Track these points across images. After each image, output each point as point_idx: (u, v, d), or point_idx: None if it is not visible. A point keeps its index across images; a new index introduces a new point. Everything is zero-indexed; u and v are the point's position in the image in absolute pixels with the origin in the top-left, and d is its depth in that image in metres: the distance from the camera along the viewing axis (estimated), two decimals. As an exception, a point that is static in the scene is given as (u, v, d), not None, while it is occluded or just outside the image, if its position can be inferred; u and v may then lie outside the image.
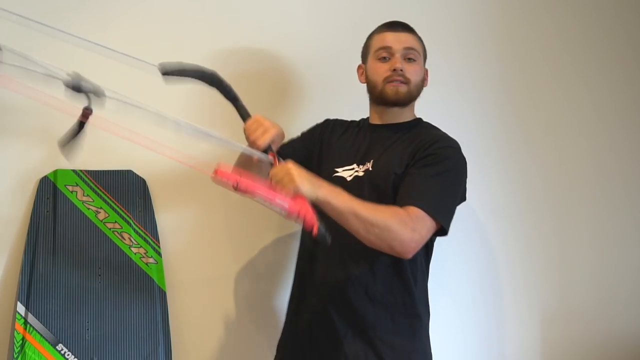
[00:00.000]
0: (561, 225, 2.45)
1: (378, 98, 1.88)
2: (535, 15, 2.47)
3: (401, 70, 1.82)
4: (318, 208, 1.58)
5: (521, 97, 2.44)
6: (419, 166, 1.75)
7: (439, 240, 1.83)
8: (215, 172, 1.37)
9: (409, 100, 1.86)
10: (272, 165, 1.65)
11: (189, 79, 1.61)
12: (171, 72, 1.52)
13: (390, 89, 1.84)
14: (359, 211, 1.61)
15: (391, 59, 1.84)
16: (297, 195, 1.54)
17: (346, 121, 2.01)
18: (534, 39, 2.46)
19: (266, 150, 1.68)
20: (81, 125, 1.26)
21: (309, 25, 2.27)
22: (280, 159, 1.68)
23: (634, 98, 2.53)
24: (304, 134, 2.02)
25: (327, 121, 2.02)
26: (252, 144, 1.70)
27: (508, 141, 2.42)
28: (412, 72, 1.84)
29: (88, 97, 1.18)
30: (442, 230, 1.75)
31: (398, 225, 1.64)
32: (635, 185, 2.51)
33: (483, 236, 2.38)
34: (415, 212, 1.67)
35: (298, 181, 1.55)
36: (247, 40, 2.20)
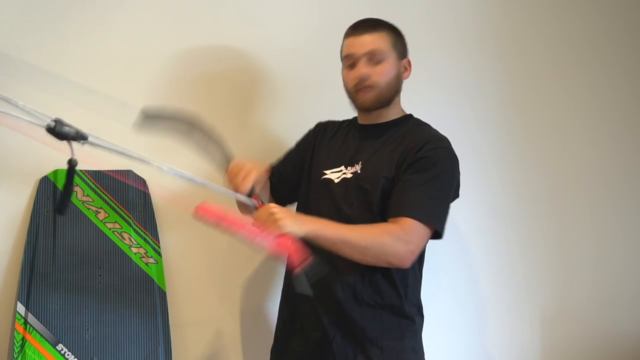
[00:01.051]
0: (563, 224, 2.45)
1: (354, 106, 1.89)
2: (538, 13, 2.46)
3: (365, 77, 1.81)
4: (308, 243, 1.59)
5: (524, 96, 2.44)
6: (411, 172, 1.75)
7: (440, 239, 1.82)
8: (197, 208, 1.38)
9: (380, 103, 1.84)
10: (256, 208, 1.66)
11: (170, 123, 1.61)
12: (152, 116, 1.52)
13: (359, 98, 1.84)
14: (350, 238, 1.64)
15: (356, 65, 1.83)
16: (282, 235, 1.56)
17: (337, 122, 2.00)
18: (536, 37, 2.46)
19: (250, 194, 1.69)
20: (69, 179, 1.26)
21: (303, 22, 2.27)
22: (264, 201, 1.69)
23: (637, 97, 2.52)
24: (298, 144, 2.02)
25: (318, 125, 2.02)
26: (235, 190, 1.71)
27: (510, 140, 2.42)
28: (378, 75, 1.81)
29: (70, 145, 1.18)
30: (436, 234, 1.76)
31: (391, 242, 1.67)
32: (638, 184, 2.51)
33: (484, 235, 2.38)
34: (408, 223, 1.69)
35: (282, 221, 1.56)
36: (242, 39, 2.20)
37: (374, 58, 1.81)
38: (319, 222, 1.63)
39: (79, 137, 1.18)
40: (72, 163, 1.22)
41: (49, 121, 1.14)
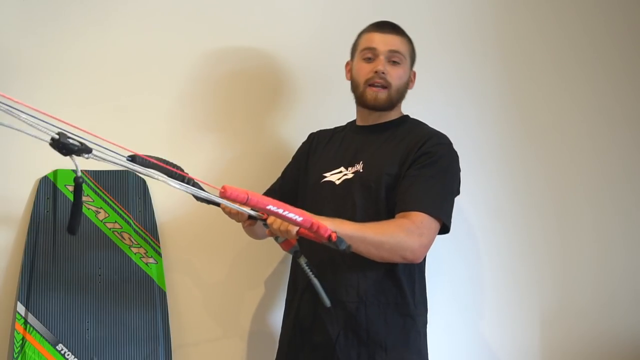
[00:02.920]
0: (563, 224, 2.44)
1: (359, 99, 1.88)
2: (539, 13, 2.46)
3: (383, 73, 1.82)
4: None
5: (524, 96, 2.43)
6: (416, 167, 1.75)
7: (439, 238, 1.82)
8: (224, 188, 1.34)
9: (388, 105, 1.85)
10: (263, 220, 1.61)
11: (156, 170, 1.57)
12: (137, 161, 1.49)
13: (370, 94, 1.84)
14: (366, 235, 1.62)
15: (375, 60, 1.84)
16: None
17: (330, 129, 2.01)
18: (537, 36, 2.45)
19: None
20: (77, 197, 1.24)
21: (310, 25, 2.27)
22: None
23: (637, 97, 2.52)
24: (294, 157, 2.04)
25: (311, 135, 2.04)
26: (234, 215, 1.71)
27: (511, 140, 2.41)
28: (394, 76, 1.83)
29: (74, 160, 1.16)
30: (444, 229, 1.76)
31: (406, 237, 1.66)
32: (637, 184, 2.51)
33: (484, 235, 2.37)
34: (419, 217, 1.69)
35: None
36: (244, 38, 2.20)
37: (393, 59, 1.83)
38: (334, 220, 1.60)
39: (83, 150, 1.16)
40: (78, 181, 1.20)
41: (52, 134, 1.12)
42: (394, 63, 1.83)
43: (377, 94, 1.83)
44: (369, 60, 1.85)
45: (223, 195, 1.32)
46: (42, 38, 2.04)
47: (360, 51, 1.87)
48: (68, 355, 1.89)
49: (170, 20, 2.15)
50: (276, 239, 1.63)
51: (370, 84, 1.83)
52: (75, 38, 2.07)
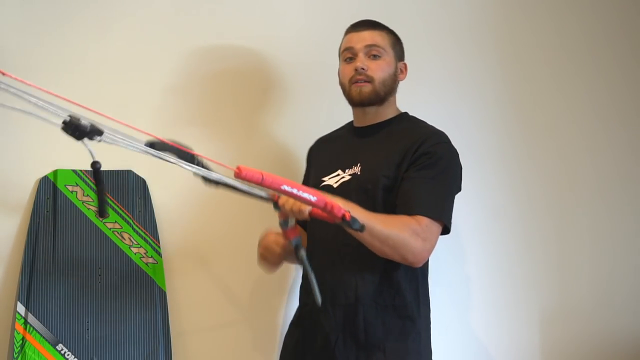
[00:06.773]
0: (560, 225, 2.45)
1: (348, 99, 1.90)
2: (535, 14, 2.47)
3: (362, 69, 1.82)
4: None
5: (521, 97, 2.44)
6: (415, 169, 1.75)
7: (447, 234, 1.82)
8: (239, 168, 1.34)
9: (375, 98, 1.85)
10: (273, 201, 1.56)
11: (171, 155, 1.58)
12: (157, 147, 1.50)
13: (354, 90, 1.85)
14: (374, 226, 1.61)
15: (355, 59, 1.85)
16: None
17: (329, 134, 2.02)
18: (533, 38, 2.47)
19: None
20: (98, 181, 1.23)
21: (301, 24, 2.28)
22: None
23: (633, 98, 2.53)
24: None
25: (311, 147, 2.04)
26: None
27: (508, 141, 2.42)
28: (375, 69, 1.83)
29: (87, 145, 1.14)
30: (444, 229, 1.76)
31: (410, 238, 1.66)
32: (634, 185, 2.52)
33: (482, 236, 2.38)
34: (424, 221, 1.69)
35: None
36: (243, 39, 2.21)
37: (371, 53, 1.84)
38: (347, 204, 1.56)
39: (94, 132, 1.14)
40: (96, 166, 1.19)
41: (64, 116, 1.11)
42: (374, 57, 1.84)
43: (361, 88, 1.84)
44: (349, 60, 1.87)
45: (238, 175, 1.31)
46: (43, 38, 2.04)
47: (341, 54, 1.90)
48: (68, 355, 1.89)
49: (169, 20, 2.16)
50: (283, 225, 1.60)
51: (353, 82, 1.85)
52: (76, 38, 2.07)
